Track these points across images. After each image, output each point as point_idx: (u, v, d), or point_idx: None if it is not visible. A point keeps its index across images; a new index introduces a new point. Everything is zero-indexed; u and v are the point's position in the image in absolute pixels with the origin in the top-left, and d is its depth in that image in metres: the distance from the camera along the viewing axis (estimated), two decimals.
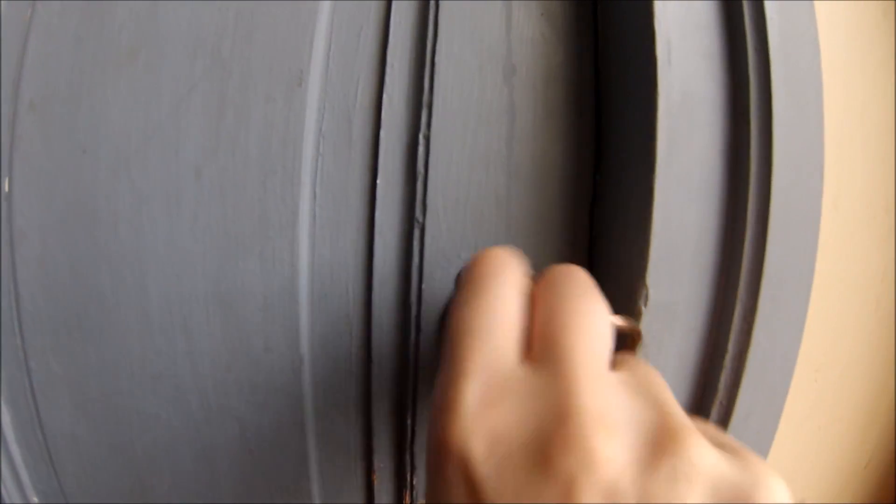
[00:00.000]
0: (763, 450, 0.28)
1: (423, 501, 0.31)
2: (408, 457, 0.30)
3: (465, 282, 0.18)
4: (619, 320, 0.21)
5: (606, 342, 0.16)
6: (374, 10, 0.27)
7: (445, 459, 0.13)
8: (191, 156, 0.28)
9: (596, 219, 0.28)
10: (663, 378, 0.17)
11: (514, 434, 0.13)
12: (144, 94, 0.28)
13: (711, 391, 0.25)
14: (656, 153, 0.24)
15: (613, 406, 0.13)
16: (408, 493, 0.31)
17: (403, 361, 0.28)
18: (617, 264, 0.26)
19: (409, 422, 0.29)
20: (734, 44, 0.25)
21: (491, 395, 0.14)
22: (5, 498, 0.35)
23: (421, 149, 0.27)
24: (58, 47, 0.29)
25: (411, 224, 0.27)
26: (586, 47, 0.28)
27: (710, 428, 0.18)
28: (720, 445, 0.14)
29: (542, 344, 0.15)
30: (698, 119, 0.25)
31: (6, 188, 0.30)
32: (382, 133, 0.27)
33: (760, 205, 0.25)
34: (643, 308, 0.24)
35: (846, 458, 0.37)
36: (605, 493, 0.11)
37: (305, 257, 0.28)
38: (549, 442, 0.12)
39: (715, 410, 0.26)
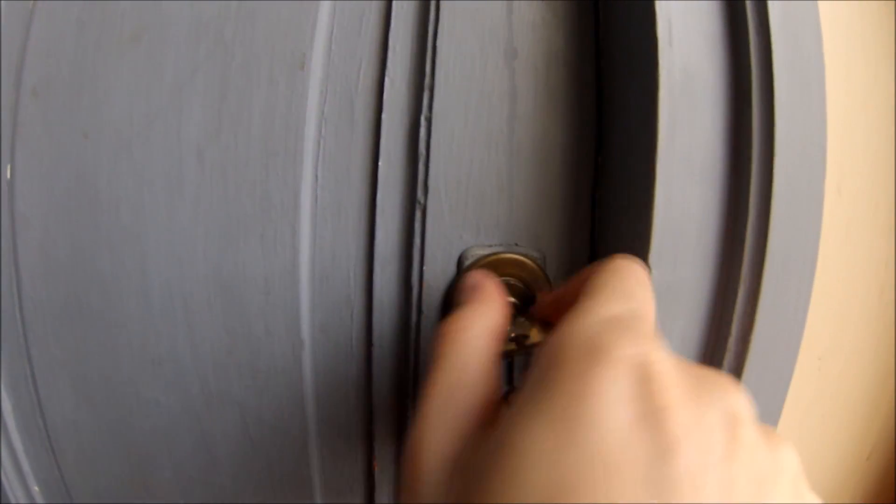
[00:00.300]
0: None
1: None
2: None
3: (615, 275, 0.20)
4: None
5: None
6: None
7: (614, 369, 0.15)
8: (193, 138, 0.28)
9: (598, 199, 0.28)
10: None
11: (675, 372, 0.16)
12: (147, 77, 0.28)
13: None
14: (658, 132, 0.24)
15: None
16: None
17: (404, 344, 0.28)
18: (620, 244, 0.26)
19: (409, 406, 0.29)
20: (735, 25, 0.25)
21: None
22: (6, 487, 0.35)
23: (422, 130, 0.27)
24: (60, 33, 0.29)
25: (413, 205, 0.27)
26: (587, 30, 0.28)
27: None
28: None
29: None
30: (700, 100, 0.24)
31: (8, 174, 0.30)
32: (384, 115, 0.27)
33: (763, 186, 0.24)
34: None
35: (849, 450, 0.37)
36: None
37: (307, 239, 0.28)
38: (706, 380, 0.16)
39: None
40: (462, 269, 0.27)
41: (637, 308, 0.17)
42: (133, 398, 0.32)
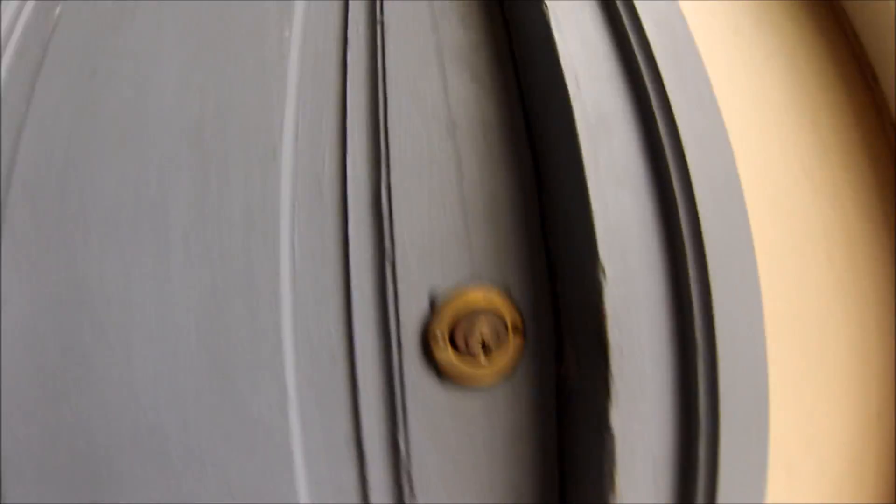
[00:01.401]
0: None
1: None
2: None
3: None
4: None
5: None
6: (332, 91, 0.32)
7: None
8: (179, 225, 0.30)
9: (548, 229, 0.31)
10: None
11: None
12: (134, 178, 0.31)
13: (692, 345, 0.26)
14: (582, 155, 0.28)
15: None
16: None
17: (389, 386, 0.29)
18: (573, 255, 0.28)
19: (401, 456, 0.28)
20: (629, 65, 0.30)
21: None
22: None
23: (384, 198, 0.31)
24: (51, 141, 0.32)
25: (382, 261, 0.30)
26: (514, 97, 0.33)
27: None
28: None
29: None
30: (613, 125, 0.29)
31: None
32: (349, 188, 0.31)
33: (684, 184, 0.28)
34: (603, 281, 0.26)
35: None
36: None
37: (288, 304, 0.30)
38: None
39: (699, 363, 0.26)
40: (436, 307, 0.29)
41: None
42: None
